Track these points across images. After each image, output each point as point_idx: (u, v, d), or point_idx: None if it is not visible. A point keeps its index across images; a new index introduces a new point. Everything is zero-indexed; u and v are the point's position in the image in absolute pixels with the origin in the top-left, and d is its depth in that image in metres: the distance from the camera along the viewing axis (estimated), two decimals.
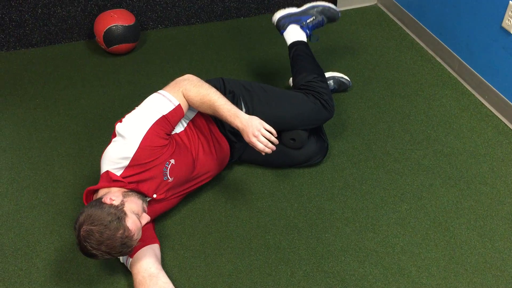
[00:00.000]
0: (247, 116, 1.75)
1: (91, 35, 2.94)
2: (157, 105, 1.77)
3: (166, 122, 1.75)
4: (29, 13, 2.77)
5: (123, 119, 1.75)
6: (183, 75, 1.90)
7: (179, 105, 1.79)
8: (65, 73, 2.71)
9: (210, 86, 1.83)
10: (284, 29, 2.33)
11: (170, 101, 1.78)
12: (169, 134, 1.77)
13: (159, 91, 1.83)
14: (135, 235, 1.56)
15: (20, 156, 2.22)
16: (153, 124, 1.71)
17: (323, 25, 2.39)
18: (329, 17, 2.38)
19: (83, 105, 2.49)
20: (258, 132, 1.72)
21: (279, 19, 2.36)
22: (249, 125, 1.72)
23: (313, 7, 2.35)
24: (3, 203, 2.02)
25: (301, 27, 2.32)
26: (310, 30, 2.34)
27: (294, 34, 2.31)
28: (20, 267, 1.79)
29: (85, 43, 2.94)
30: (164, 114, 1.74)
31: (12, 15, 2.75)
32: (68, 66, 2.76)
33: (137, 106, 1.82)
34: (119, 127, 1.72)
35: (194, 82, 1.84)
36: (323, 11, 2.35)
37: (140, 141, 1.67)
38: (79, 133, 2.33)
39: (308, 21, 2.32)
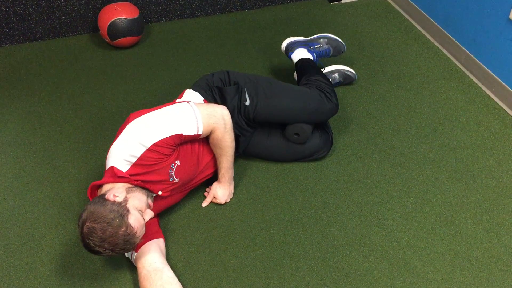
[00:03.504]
0: (230, 184, 2.00)
1: (95, 28, 2.94)
2: (184, 122, 1.73)
3: (181, 139, 1.73)
4: (33, 7, 2.76)
5: (143, 117, 1.71)
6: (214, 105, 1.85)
7: (200, 135, 1.78)
8: (69, 67, 2.71)
9: (233, 139, 1.87)
10: (292, 52, 2.41)
11: (198, 127, 1.75)
12: (177, 145, 1.76)
13: (195, 109, 1.76)
14: (138, 232, 1.55)
15: (25, 150, 2.22)
16: (170, 136, 1.69)
17: (329, 55, 2.45)
18: (335, 48, 2.44)
19: (87, 99, 2.49)
20: (223, 200, 1.98)
21: (288, 45, 2.44)
22: (226, 189, 1.98)
23: (320, 37, 2.44)
24: (8, 198, 2.02)
25: (308, 51, 2.39)
26: (317, 55, 2.41)
27: (301, 54, 2.38)
28: (26, 261, 1.80)
29: (89, 37, 2.93)
30: (184, 134, 1.73)
31: (16, 9, 2.74)
32: (73, 60, 2.76)
33: (157, 105, 1.80)
34: (135, 123, 1.69)
35: (227, 128, 1.83)
36: (330, 41, 2.43)
37: (150, 145, 1.66)
38: (83, 127, 2.33)
39: (315, 46, 2.40)
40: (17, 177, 2.11)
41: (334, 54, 2.46)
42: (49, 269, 1.77)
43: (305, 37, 2.47)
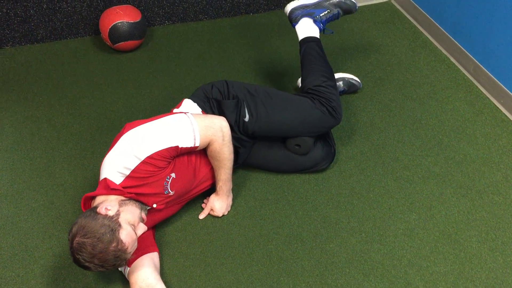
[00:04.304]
0: (229, 196, 1.95)
1: (97, 31, 2.89)
2: (180, 134, 1.68)
3: (176, 151, 1.68)
4: (34, 8, 2.72)
5: (138, 128, 1.67)
6: (216, 119, 1.78)
7: (197, 147, 1.73)
8: (69, 70, 2.67)
9: (232, 152, 1.81)
10: (296, 22, 2.21)
11: (195, 139, 1.70)
12: (173, 158, 1.71)
13: (192, 120, 1.71)
14: (129, 247, 1.51)
15: (22, 156, 2.19)
16: (165, 148, 1.64)
17: (338, 18, 2.26)
18: (345, 10, 2.25)
19: (87, 104, 2.45)
20: (221, 212, 1.94)
21: (292, 11, 2.23)
22: (224, 202, 1.93)
23: None
24: (2, 206, 1.99)
25: (314, 21, 2.20)
26: (324, 24, 2.22)
27: (306, 28, 2.19)
28: (18, 273, 1.76)
29: (91, 39, 2.89)
30: (180, 146, 1.68)
31: (17, 10, 2.70)
32: (73, 63, 2.72)
33: (154, 115, 1.75)
34: (130, 135, 1.65)
35: (225, 140, 1.77)
36: (339, 3, 2.22)
37: (145, 158, 1.61)
38: (82, 133, 2.29)
39: (321, 14, 2.20)
40: (12, 184, 2.07)
41: (344, 15, 2.26)
42: (41, 282, 1.74)
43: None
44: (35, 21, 2.77)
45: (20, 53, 2.79)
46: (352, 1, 2.24)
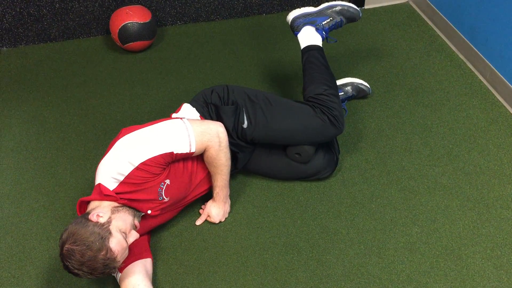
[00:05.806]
0: (226, 203, 1.92)
1: (109, 30, 2.90)
2: (175, 140, 1.66)
3: (171, 157, 1.66)
4: (47, 8, 2.75)
5: (133, 134, 1.66)
6: (214, 124, 1.77)
7: (193, 153, 1.71)
8: (80, 69, 2.68)
9: (229, 158, 1.79)
10: (298, 31, 2.18)
11: (190, 145, 1.68)
12: (168, 164, 1.69)
13: (188, 126, 1.70)
14: (119, 256, 1.50)
15: (27, 156, 2.21)
16: (159, 154, 1.62)
17: (341, 26, 2.20)
18: (349, 18, 2.19)
19: (94, 105, 2.46)
20: (218, 219, 1.92)
21: (294, 19, 2.20)
22: (221, 209, 1.91)
23: (330, 6, 2.17)
24: (4, 205, 2.01)
25: (317, 29, 2.15)
26: (327, 32, 2.17)
27: (308, 37, 2.16)
28: (13, 274, 1.78)
29: (103, 39, 2.90)
30: (175, 152, 1.66)
31: (30, 10, 2.73)
32: (84, 62, 2.73)
33: (149, 120, 1.75)
34: (125, 140, 1.64)
35: (222, 146, 1.74)
36: (342, 11, 2.17)
37: (139, 164, 1.60)
38: (86, 134, 2.30)
39: (324, 23, 2.15)
40: (15, 184, 2.09)
41: (348, 23, 2.21)
42: (35, 284, 1.75)
43: (314, 7, 2.20)
44: (48, 20, 2.80)
45: (33, 52, 2.82)
46: (356, 9, 2.18)
